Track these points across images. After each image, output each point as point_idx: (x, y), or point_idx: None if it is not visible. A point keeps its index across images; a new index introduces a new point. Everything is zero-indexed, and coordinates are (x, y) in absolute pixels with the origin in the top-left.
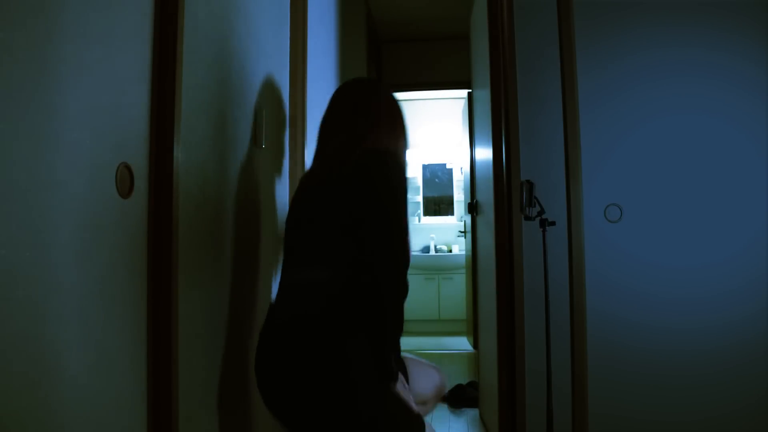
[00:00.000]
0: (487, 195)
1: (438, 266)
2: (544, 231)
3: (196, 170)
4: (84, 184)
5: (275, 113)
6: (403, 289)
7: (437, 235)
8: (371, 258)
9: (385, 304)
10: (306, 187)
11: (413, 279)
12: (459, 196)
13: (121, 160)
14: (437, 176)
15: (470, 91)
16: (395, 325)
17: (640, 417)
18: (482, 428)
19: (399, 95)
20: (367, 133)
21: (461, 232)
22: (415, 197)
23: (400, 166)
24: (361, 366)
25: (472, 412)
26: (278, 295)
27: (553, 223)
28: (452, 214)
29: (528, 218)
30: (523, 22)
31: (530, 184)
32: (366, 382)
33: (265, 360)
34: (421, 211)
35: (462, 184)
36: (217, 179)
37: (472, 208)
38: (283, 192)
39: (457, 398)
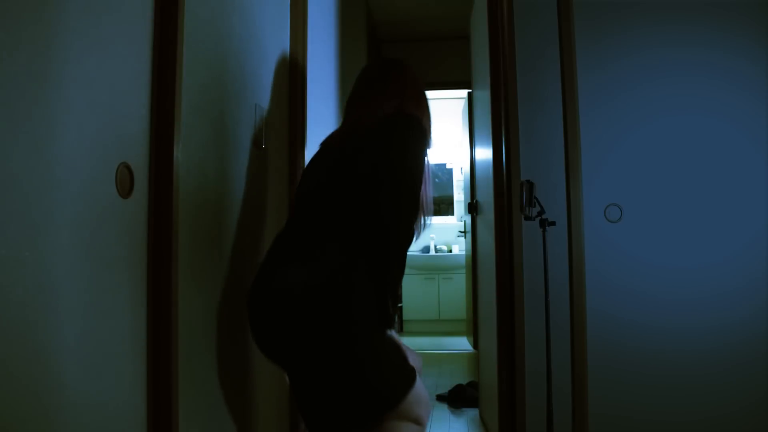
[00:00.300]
0: (487, 195)
1: (438, 266)
2: (544, 231)
3: (196, 170)
4: (84, 184)
5: (275, 113)
6: (409, 236)
7: (437, 235)
8: (384, 203)
9: (391, 247)
10: (327, 144)
11: (413, 279)
12: (459, 196)
13: (121, 160)
14: (437, 176)
15: (470, 91)
16: (398, 270)
17: (640, 417)
18: (482, 428)
19: None
20: (392, 101)
21: (461, 232)
22: None
23: (424, 129)
24: (363, 308)
25: (472, 412)
26: (283, 238)
27: (553, 223)
28: (452, 214)
29: (528, 218)
30: (523, 22)
31: (530, 184)
32: (366, 324)
33: (267, 296)
34: None
35: (462, 184)
36: (217, 179)
37: (472, 208)
38: (283, 191)
39: (457, 398)
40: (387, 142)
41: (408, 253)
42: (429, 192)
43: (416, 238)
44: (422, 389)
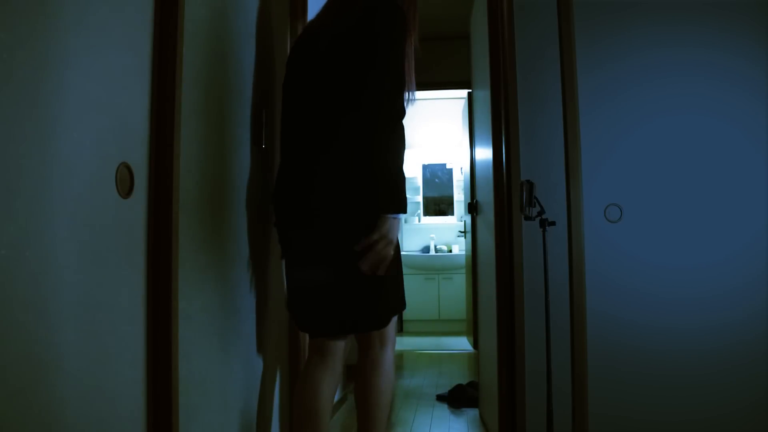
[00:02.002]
0: (487, 195)
1: (438, 266)
2: (544, 231)
3: (196, 170)
4: (84, 184)
5: (275, 113)
6: (400, 111)
7: (437, 235)
8: (375, 83)
9: (390, 120)
10: (311, 28)
11: (413, 279)
12: (459, 196)
13: (121, 160)
14: (437, 176)
15: (470, 91)
16: (396, 142)
17: (640, 417)
18: (482, 428)
19: None
20: None
21: (461, 232)
22: (415, 197)
23: (404, 17)
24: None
25: (472, 412)
26: (289, 126)
27: (553, 223)
28: (452, 214)
29: (528, 218)
30: (523, 22)
31: (530, 184)
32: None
33: (292, 177)
34: (421, 211)
35: (462, 184)
36: (217, 179)
37: (472, 208)
38: None
39: (457, 398)
40: (377, 36)
41: (409, 252)
42: (411, 70)
43: (406, 111)
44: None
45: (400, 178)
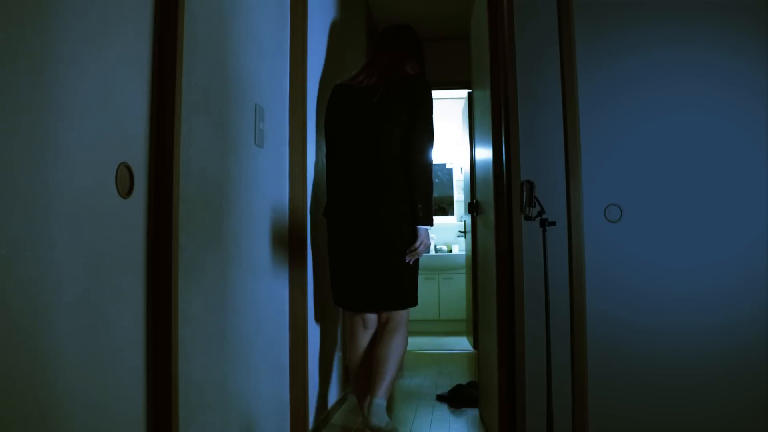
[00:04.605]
0: (487, 195)
1: (438, 266)
2: (544, 231)
3: (196, 170)
4: (84, 184)
5: (275, 113)
6: (432, 159)
7: (437, 235)
8: (418, 139)
9: (428, 169)
10: (364, 86)
11: None
12: (459, 196)
13: (121, 160)
14: (437, 176)
15: (470, 91)
16: (427, 185)
17: (640, 417)
18: (482, 428)
19: None
20: (410, 55)
21: (461, 232)
22: None
23: (430, 87)
24: (405, 210)
25: (472, 412)
26: (349, 159)
27: (553, 223)
28: (452, 214)
29: (528, 218)
30: (523, 22)
31: (530, 184)
32: (406, 218)
33: (357, 202)
34: None
35: (462, 184)
36: (217, 179)
37: (472, 208)
38: (283, 191)
39: (457, 398)
40: (420, 101)
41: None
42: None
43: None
44: None
45: (431, 203)
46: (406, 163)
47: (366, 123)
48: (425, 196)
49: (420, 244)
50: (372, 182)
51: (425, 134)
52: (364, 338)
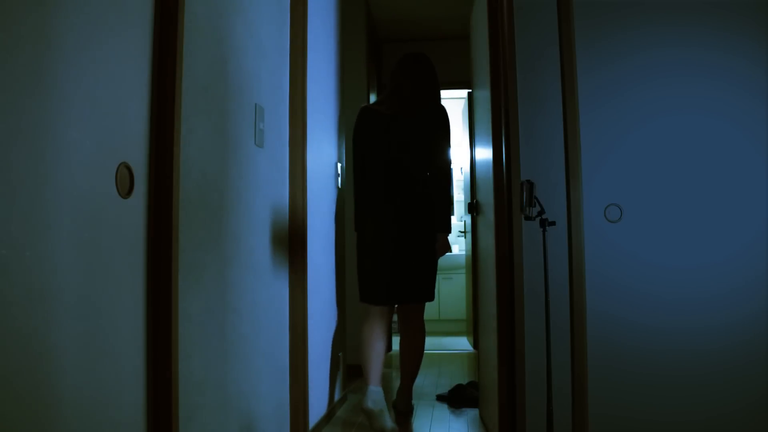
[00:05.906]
0: (487, 195)
1: (438, 266)
2: (544, 231)
3: (196, 170)
4: (84, 185)
5: (275, 113)
6: (451, 181)
7: None
8: (440, 161)
9: (450, 186)
10: (390, 113)
11: None
12: (459, 196)
13: (121, 160)
14: None
15: (470, 91)
16: (446, 198)
17: (640, 417)
18: (482, 428)
19: None
20: (430, 85)
21: (461, 232)
22: None
23: (448, 115)
24: (430, 219)
25: (472, 412)
26: (380, 175)
27: (553, 223)
28: (452, 214)
29: (528, 218)
30: (523, 22)
31: (530, 184)
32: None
33: (395, 205)
34: None
35: (462, 184)
36: (216, 179)
37: (472, 208)
38: (283, 191)
39: (457, 398)
40: (444, 129)
41: None
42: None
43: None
44: None
45: (451, 213)
46: (429, 181)
47: (394, 146)
48: (444, 208)
49: (441, 247)
50: (402, 195)
51: (445, 156)
52: (383, 332)
